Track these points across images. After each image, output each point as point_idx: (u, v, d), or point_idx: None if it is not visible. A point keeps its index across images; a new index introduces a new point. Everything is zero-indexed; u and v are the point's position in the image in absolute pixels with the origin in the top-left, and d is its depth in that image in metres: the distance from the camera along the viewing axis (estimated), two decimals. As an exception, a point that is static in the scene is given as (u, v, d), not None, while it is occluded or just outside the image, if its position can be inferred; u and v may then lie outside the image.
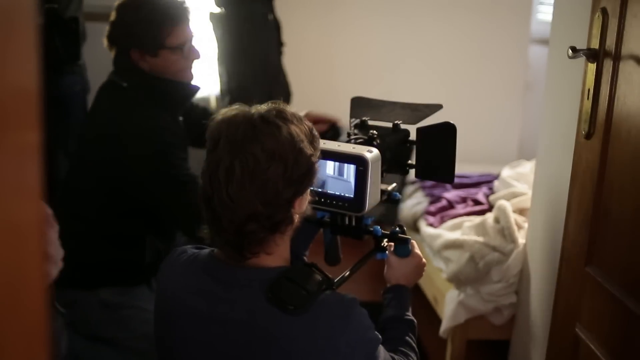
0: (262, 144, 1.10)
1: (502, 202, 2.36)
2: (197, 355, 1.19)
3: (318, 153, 1.19)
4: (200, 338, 1.18)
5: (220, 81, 2.97)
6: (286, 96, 3.07)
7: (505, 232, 2.26)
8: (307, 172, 1.14)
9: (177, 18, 1.91)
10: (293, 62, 3.32)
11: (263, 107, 1.16)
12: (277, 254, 1.18)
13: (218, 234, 1.16)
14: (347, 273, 1.41)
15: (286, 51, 3.19)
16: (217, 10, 2.91)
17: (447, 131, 1.39)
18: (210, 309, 1.17)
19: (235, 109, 1.16)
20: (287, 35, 3.19)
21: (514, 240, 2.22)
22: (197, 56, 1.98)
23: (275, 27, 3.10)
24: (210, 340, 1.17)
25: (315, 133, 1.19)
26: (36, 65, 0.49)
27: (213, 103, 3.21)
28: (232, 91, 2.91)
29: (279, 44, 3.13)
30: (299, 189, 1.14)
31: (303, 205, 1.18)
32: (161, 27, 1.89)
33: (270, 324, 1.12)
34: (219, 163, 1.11)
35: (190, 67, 1.99)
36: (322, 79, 3.74)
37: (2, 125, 0.47)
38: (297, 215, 1.17)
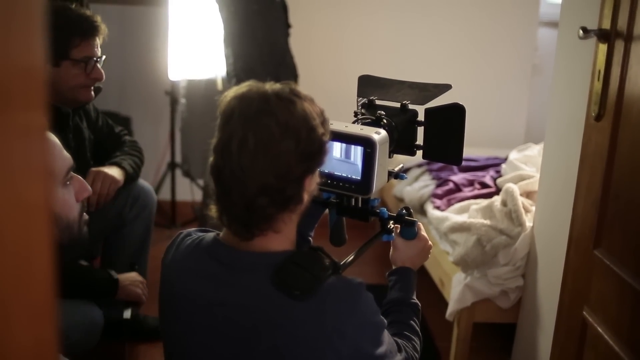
0: (276, 117, 1.09)
1: (510, 185, 2.34)
2: (202, 339, 1.18)
3: (328, 135, 1.18)
4: (205, 322, 1.17)
5: (227, 63, 2.96)
6: (293, 78, 3.05)
7: (512, 215, 2.25)
8: (319, 149, 1.14)
9: (88, 32, 1.91)
10: (300, 44, 3.29)
11: (276, 85, 1.15)
12: (284, 234, 1.17)
13: (226, 210, 1.15)
14: (353, 256, 1.41)
15: (293, 33, 3.16)
16: (223, -9, 2.89)
17: (456, 112, 1.37)
18: (215, 293, 1.16)
19: (247, 85, 1.16)
20: (293, 17, 3.17)
21: (521, 224, 2.21)
22: (100, 77, 1.96)
23: (282, 8, 3.08)
24: (215, 324, 1.16)
25: (326, 116, 1.19)
26: (42, 44, 0.48)
27: (219, 85, 3.20)
28: (239, 73, 2.89)
29: (286, 25, 3.10)
30: (310, 166, 1.14)
31: (313, 184, 1.17)
32: (70, 37, 1.88)
33: (276, 309, 1.12)
34: (231, 135, 1.10)
35: (90, 87, 1.97)
36: (329, 61, 3.71)
37: (8, 106, 0.46)
38: (307, 195, 1.17)
